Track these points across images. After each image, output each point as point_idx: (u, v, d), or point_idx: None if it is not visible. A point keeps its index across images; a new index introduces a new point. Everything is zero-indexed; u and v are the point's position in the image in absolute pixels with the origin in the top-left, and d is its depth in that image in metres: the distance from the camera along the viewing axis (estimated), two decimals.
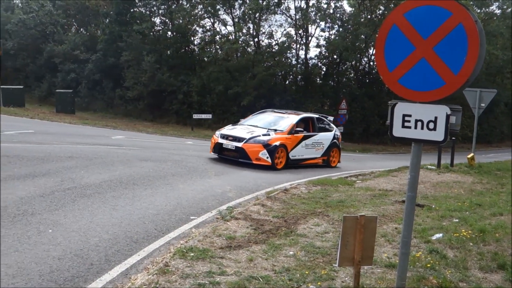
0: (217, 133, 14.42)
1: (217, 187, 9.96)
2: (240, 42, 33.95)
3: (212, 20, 35.84)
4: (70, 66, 36.88)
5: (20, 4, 44.21)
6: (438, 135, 3.89)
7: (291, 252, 5.77)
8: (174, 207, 7.97)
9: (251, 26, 34.47)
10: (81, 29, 43.78)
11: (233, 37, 34.23)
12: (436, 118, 3.88)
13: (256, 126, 14.48)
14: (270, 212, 7.89)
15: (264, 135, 13.70)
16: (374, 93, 35.04)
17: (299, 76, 36.04)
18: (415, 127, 3.97)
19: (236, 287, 4.59)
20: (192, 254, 5.45)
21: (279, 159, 13.69)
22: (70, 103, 30.87)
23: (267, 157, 13.30)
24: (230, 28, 35.30)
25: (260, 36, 35.14)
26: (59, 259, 5.23)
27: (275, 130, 14.12)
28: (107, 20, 37.95)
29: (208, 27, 36.10)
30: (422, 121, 3.94)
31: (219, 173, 11.86)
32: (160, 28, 37.43)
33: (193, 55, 36.49)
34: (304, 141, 14.58)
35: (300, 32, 35.51)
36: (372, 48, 34.74)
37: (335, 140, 15.92)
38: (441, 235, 6.56)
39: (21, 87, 31.74)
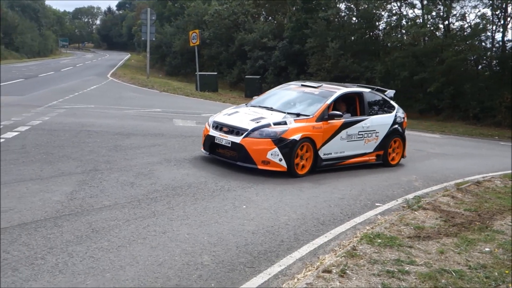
0: (210, 119, 9.34)
1: (402, 175, 9.71)
2: (428, 25, 32.30)
3: (398, 4, 34.65)
4: (258, 53, 38.76)
5: None
6: None
7: (487, 249, 5.41)
8: (359, 193, 7.99)
9: (441, 8, 32.57)
10: (269, 18, 45.61)
11: (421, 20, 32.68)
12: None
13: (270, 109, 9.33)
14: (461, 204, 7.47)
15: (277, 123, 8.54)
16: None
17: (494, 61, 33.10)
18: None
19: (427, 279, 4.46)
20: (379, 240, 5.42)
21: (301, 161, 8.66)
22: (257, 89, 32.50)
23: (280, 159, 8.32)
24: (418, 11, 33.78)
25: (450, 19, 33.04)
26: (253, 233, 5.60)
27: (298, 114, 8.91)
28: (294, 8, 39.00)
29: (394, 11, 35.02)
30: None
31: (404, 161, 11.52)
32: (345, 14, 37.33)
33: (378, 40, 35.75)
34: (346, 130, 9.31)
35: (497, 13, 32.55)
36: None
37: (396, 126, 10.45)
38: None
39: (215, 73, 34.32)
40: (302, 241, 5.54)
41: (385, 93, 10.81)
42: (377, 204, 7.45)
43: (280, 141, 8.31)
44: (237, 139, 8.44)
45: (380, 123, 10.10)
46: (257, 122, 8.59)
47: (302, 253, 5.19)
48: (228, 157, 8.66)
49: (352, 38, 35.78)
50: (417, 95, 30.76)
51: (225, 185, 7.42)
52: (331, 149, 9.12)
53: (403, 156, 10.77)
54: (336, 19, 36.27)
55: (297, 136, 8.44)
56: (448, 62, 29.36)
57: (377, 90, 10.76)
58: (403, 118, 10.82)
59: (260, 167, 8.30)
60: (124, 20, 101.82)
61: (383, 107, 10.49)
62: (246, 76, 34.80)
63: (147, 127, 12.20)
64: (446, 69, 29.41)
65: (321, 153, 8.92)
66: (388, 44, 34.57)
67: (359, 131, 9.61)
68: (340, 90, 9.66)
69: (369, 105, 10.01)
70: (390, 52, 33.23)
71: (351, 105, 9.97)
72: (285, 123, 8.55)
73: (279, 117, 8.75)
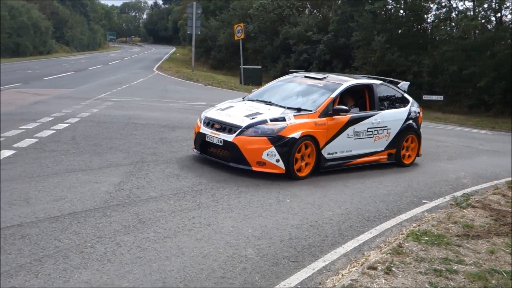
0: (202, 115, 8.44)
1: (450, 172, 9.47)
2: (479, 18, 31.34)
3: None
4: (302, 47, 38.56)
5: None
6: None
7: None
8: (405, 189, 7.84)
9: (493, 0, 31.52)
10: (314, 11, 45.28)
11: (472, 13, 31.74)
12: None
13: (269, 103, 8.45)
14: None
15: (274, 119, 7.65)
16: None
17: None
18: None
19: (476, 279, 4.34)
20: (426, 238, 5.31)
21: (302, 161, 7.77)
22: None
23: (277, 160, 7.44)
24: (469, 4, 32.84)
25: (503, 11, 31.94)
26: (296, 227, 5.59)
27: (298, 109, 8.00)
28: (339, 1, 38.59)
29: (443, 3, 34.13)
30: None
31: (452, 157, 11.24)
32: (392, 6, 36.63)
33: (425, 33, 34.96)
34: (353, 126, 8.39)
35: None
36: None
37: (410, 122, 9.47)
38: None
39: (259, 67, 34.36)
40: (346, 237, 5.48)
41: (398, 85, 9.90)
42: (424, 201, 7.30)
43: (277, 140, 7.42)
44: (230, 137, 7.56)
45: (392, 118, 9.15)
46: (252, 118, 7.69)
47: (346, 249, 5.15)
48: (221, 157, 7.80)
49: (399, 31, 35.12)
50: (467, 90, 29.92)
51: (269, 179, 7.43)
52: (337, 148, 8.21)
53: (418, 154, 9.80)
54: (382, 12, 35.61)
55: (296, 134, 7.53)
56: (500, 56, 28.41)
57: (390, 82, 9.89)
58: (418, 112, 9.84)
59: (254, 168, 7.44)
60: (170, 14, 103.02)
61: (396, 100, 9.56)
62: (290, 70, 34.70)
63: (192, 120, 12.29)
64: (497, 63, 28.48)
65: (324, 152, 8.01)
66: (437, 37, 33.73)
67: (368, 128, 8.66)
68: (347, 82, 8.75)
69: (380, 98, 9.07)
70: (438, 46, 32.42)
71: (359, 99, 9.07)
72: (283, 119, 7.66)
73: (277, 112, 7.89)
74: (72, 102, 13.88)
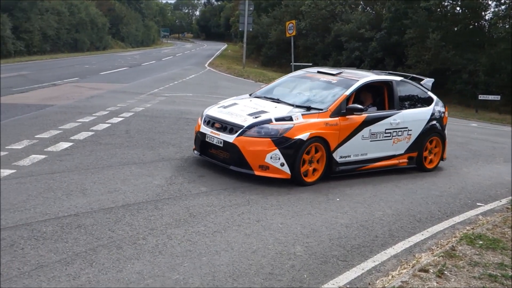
0: (204, 112, 7.79)
1: (506, 175, 9.14)
2: None
3: None
4: (354, 44, 38.08)
5: None
6: None
7: None
8: (459, 191, 7.64)
9: None
10: (367, 8, 44.61)
11: None
12: None
13: (277, 101, 7.75)
14: None
15: (280, 119, 6.96)
16: None
17: None
18: None
19: None
20: (480, 242, 5.15)
21: (310, 165, 7.03)
22: None
23: (282, 164, 6.72)
24: None
25: None
26: (346, 226, 5.54)
27: (308, 108, 7.30)
28: None
29: (502, 0, 32.92)
30: None
31: (508, 159, 10.85)
32: (448, 3, 35.66)
33: (482, 31, 33.82)
34: (369, 127, 7.65)
35: None
36: None
37: (434, 122, 8.69)
38: None
39: (310, 64, 34.16)
40: (397, 238, 5.39)
41: (422, 82, 9.06)
42: (478, 203, 7.09)
43: (282, 141, 6.70)
44: (230, 138, 6.87)
45: (413, 118, 8.37)
46: (256, 117, 6.97)
47: (397, 250, 5.06)
48: (221, 159, 7.09)
49: (455, 29, 34.12)
50: None
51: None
52: (350, 151, 7.48)
53: (442, 158, 9.00)
54: (438, 9, 34.71)
55: (304, 135, 6.79)
56: None
57: (412, 78, 9.11)
58: (443, 112, 8.98)
59: (257, 173, 6.74)
60: (222, 11, 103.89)
61: (419, 99, 8.77)
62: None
63: None
64: None
65: (336, 155, 7.29)
66: (494, 35, 32.58)
67: (386, 129, 7.90)
68: (363, 78, 7.96)
69: (400, 97, 8.30)
70: (496, 44, 31.32)
71: (378, 97, 8.34)
72: (290, 118, 6.95)
73: (284, 111, 7.18)
74: (126, 97, 14.24)
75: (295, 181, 6.86)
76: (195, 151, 7.64)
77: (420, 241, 5.39)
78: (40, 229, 4.63)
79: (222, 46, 77.81)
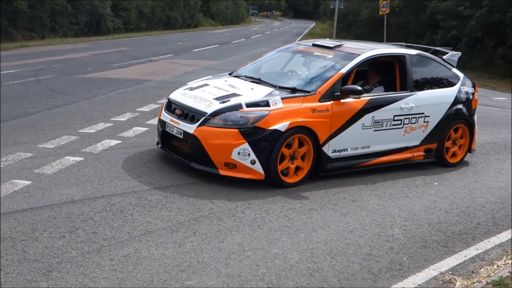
0: (170, 96, 6.30)
1: None
2: None
3: None
4: (451, 23, 36.23)
5: None
6: None
7: None
8: None
9: None
10: None
11: None
12: None
13: (258, 81, 6.22)
14: None
15: (252, 104, 5.51)
16: None
17: None
18: None
19: None
20: None
21: (292, 163, 5.58)
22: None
23: (253, 161, 5.31)
24: None
25: None
26: (446, 212, 5.36)
27: (293, 90, 5.81)
28: None
29: None
30: None
31: None
32: None
33: None
34: (372, 113, 6.07)
35: None
36: None
37: (460, 106, 6.95)
38: None
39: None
40: (501, 227, 5.14)
41: (445, 57, 7.32)
42: None
43: (252, 133, 5.27)
44: (191, 128, 5.46)
45: (432, 102, 6.67)
46: (223, 103, 5.53)
47: (501, 239, 4.83)
48: (184, 154, 5.65)
49: None
50: None
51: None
52: (347, 144, 5.96)
53: (469, 150, 7.31)
54: None
55: (281, 125, 5.32)
56: None
57: (433, 52, 7.49)
58: (472, 93, 7.19)
59: (222, 172, 5.36)
60: None
61: (440, 78, 7.07)
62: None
63: None
64: None
65: (327, 149, 5.78)
66: None
67: (395, 115, 6.29)
68: (366, 52, 6.34)
69: (415, 75, 6.63)
70: None
71: (389, 74, 6.76)
72: (266, 103, 5.46)
73: (260, 94, 5.68)
74: (218, 73, 14.47)
75: (272, 183, 5.48)
76: (159, 144, 6.26)
77: None
78: (146, 197, 4.88)
79: (311, 25, 76.89)
